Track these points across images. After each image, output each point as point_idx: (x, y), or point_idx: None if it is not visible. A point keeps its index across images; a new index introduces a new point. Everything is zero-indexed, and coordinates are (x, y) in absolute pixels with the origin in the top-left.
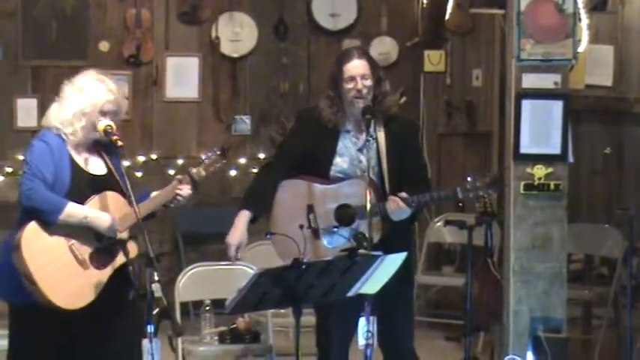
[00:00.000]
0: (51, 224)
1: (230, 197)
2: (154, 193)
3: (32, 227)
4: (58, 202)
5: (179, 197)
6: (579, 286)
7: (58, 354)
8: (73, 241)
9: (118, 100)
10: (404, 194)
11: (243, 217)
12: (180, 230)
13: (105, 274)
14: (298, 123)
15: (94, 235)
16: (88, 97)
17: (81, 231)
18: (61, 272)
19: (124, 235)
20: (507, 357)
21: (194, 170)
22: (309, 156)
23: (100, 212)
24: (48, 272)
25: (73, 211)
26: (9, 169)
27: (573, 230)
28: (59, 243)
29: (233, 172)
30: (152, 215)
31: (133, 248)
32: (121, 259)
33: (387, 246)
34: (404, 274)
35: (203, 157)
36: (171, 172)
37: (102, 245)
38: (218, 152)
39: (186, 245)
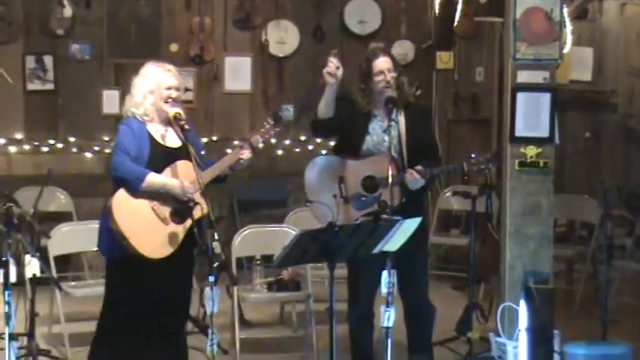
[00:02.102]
0: (136, 191)
1: (277, 172)
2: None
3: (120, 194)
4: (140, 173)
5: (241, 161)
6: (563, 245)
7: (144, 297)
8: (155, 202)
9: (176, 75)
10: (419, 167)
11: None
12: (236, 198)
13: (183, 228)
14: (343, 101)
15: (171, 197)
16: (151, 79)
17: (161, 194)
18: (147, 229)
19: (196, 195)
20: (503, 304)
21: (252, 138)
22: (345, 132)
23: (174, 179)
24: (136, 230)
25: (152, 179)
26: (96, 148)
27: (558, 200)
28: (143, 205)
29: (279, 152)
30: (220, 179)
31: (204, 206)
32: (195, 215)
33: (405, 212)
34: (419, 235)
35: (259, 127)
36: (229, 151)
37: (179, 205)
38: (271, 122)
39: (240, 210)
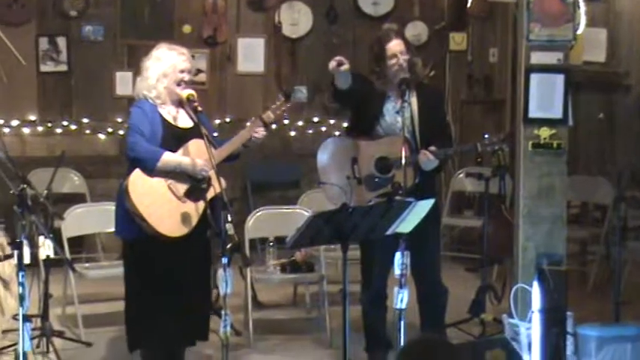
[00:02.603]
0: (151, 171)
1: (290, 152)
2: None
3: (136, 174)
4: (155, 152)
5: (254, 138)
6: (577, 227)
7: (161, 276)
8: (171, 180)
9: (189, 58)
10: (432, 148)
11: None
12: (249, 179)
13: (200, 205)
14: (359, 76)
15: (186, 175)
16: (165, 62)
17: (176, 173)
18: (164, 207)
19: (211, 173)
20: (517, 285)
21: (264, 114)
22: (359, 112)
23: (188, 158)
24: (153, 209)
25: (167, 158)
26: (110, 129)
27: (572, 181)
28: (159, 184)
29: (292, 133)
30: (234, 157)
31: (220, 183)
32: (211, 192)
33: (418, 193)
34: (432, 216)
35: (270, 104)
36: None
37: (194, 183)
38: (282, 98)
39: (253, 192)
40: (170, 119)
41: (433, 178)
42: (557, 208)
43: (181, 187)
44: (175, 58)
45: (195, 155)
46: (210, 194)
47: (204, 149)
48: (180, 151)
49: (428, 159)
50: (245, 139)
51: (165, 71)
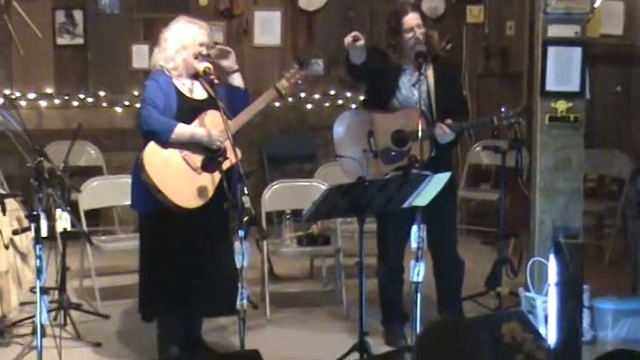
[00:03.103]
0: (165, 143)
1: (306, 126)
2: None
3: (151, 146)
4: (168, 124)
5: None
6: (593, 200)
7: (177, 249)
8: (186, 152)
9: (208, 32)
10: (449, 121)
11: None
12: (265, 152)
13: (216, 177)
14: (375, 51)
15: (202, 146)
16: (185, 35)
17: (191, 144)
18: (180, 179)
19: (227, 144)
20: (533, 259)
21: (278, 83)
22: (375, 85)
23: (203, 129)
24: (169, 181)
25: (181, 130)
26: (126, 103)
27: (589, 154)
28: (174, 156)
29: (309, 106)
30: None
31: (236, 154)
32: (227, 163)
33: (435, 166)
34: (448, 189)
35: (284, 72)
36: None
37: (209, 154)
38: (296, 66)
39: (270, 165)
40: (185, 91)
41: (449, 152)
42: (574, 182)
43: (197, 159)
44: (195, 31)
45: (211, 126)
46: (226, 165)
47: (219, 120)
48: (196, 122)
49: (444, 132)
50: (260, 109)
51: (184, 43)
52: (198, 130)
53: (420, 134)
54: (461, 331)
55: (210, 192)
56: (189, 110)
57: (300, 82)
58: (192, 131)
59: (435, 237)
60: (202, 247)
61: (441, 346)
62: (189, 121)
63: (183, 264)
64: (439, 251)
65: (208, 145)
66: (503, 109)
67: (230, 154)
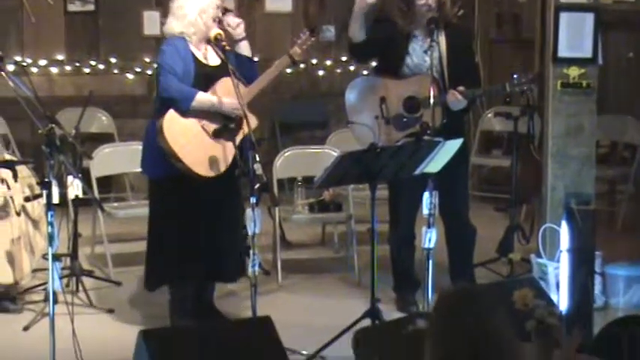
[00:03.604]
0: (185, 111)
1: (318, 92)
2: None
3: (170, 114)
4: (189, 92)
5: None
6: (606, 166)
7: (188, 215)
8: (204, 121)
9: None
10: (461, 88)
11: None
12: (277, 119)
13: (232, 145)
14: (381, 23)
15: (219, 115)
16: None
17: (208, 112)
18: (199, 148)
19: (243, 111)
20: (545, 225)
21: (291, 50)
22: (385, 53)
23: (221, 97)
24: (189, 149)
25: (202, 98)
26: (137, 69)
27: (601, 120)
28: (193, 124)
29: (320, 72)
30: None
31: (253, 121)
32: (244, 130)
33: (447, 133)
34: (461, 156)
35: (295, 39)
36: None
37: (227, 122)
38: (307, 32)
39: (282, 132)
40: (201, 57)
41: (461, 118)
42: (586, 148)
43: (214, 127)
44: None
45: (226, 94)
46: (242, 133)
47: (231, 88)
48: (215, 89)
49: (456, 99)
50: (274, 76)
51: (203, 7)
52: (217, 98)
53: (431, 101)
54: (478, 298)
55: (229, 160)
56: (205, 77)
57: (311, 48)
58: (213, 100)
59: (446, 204)
60: (213, 213)
61: (459, 313)
62: (204, 88)
63: (194, 230)
64: (451, 218)
65: (228, 113)
66: (515, 76)
67: (246, 121)
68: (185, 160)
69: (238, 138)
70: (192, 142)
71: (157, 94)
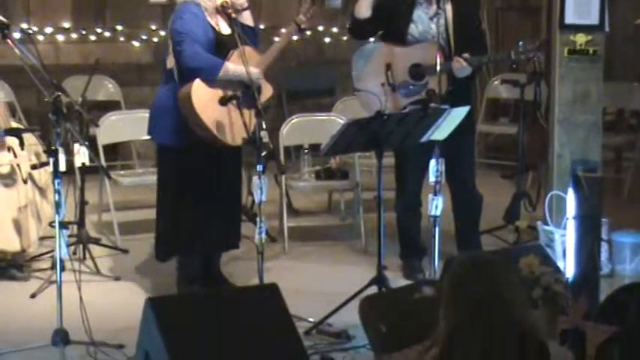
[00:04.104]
0: (211, 81)
1: (324, 59)
2: None
3: (198, 83)
4: (216, 62)
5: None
6: (612, 134)
7: (196, 183)
8: (227, 90)
9: None
10: (466, 55)
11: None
12: (283, 87)
13: (252, 113)
14: None
15: (239, 83)
16: None
17: (230, 81)
18: (224, 116)
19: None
20: (551, 192)
21: (297, 18)
22: (389, 22)
23: (242, 66)
24: (215, 118)
25: (227, 68)
26: (144, 37)
27: (608, 87)
28: (217, 93)
29: (327, 40)
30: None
31: (268, 90)
32: (262, 98)
33: (453, 100)
34: (467, 123)
35: (300, 7)
36: (276, 39)
37: (247, 91)
38: (309, 0)
39: (288, 99)
40: (214, 25)
41: (467, 86)
42: (593, 115)
43: (234, 96)
44: None
45: (239, 63)
46: (263, 99)
47: (249, 56)
48: (236, 57)
49: (462, 66)
50: (283, 46)
51: None
52: (241, 68)
53: (438, 68)
54: (490, 265)
55: (250, 127)
56: (221, 45)
57: (314, 15)
58: (237, 69)
59: (453, 171)
60: (219, 183)
61: (472, 280)
62: (220, 56)
63: (202, 198)
64: (457, 185)
65: (251, 82)
66: (520, 43)
67: (266, 90)
68: (212, 129)
69: (261, 102)
70: (217, 111)
71: (179, 62)
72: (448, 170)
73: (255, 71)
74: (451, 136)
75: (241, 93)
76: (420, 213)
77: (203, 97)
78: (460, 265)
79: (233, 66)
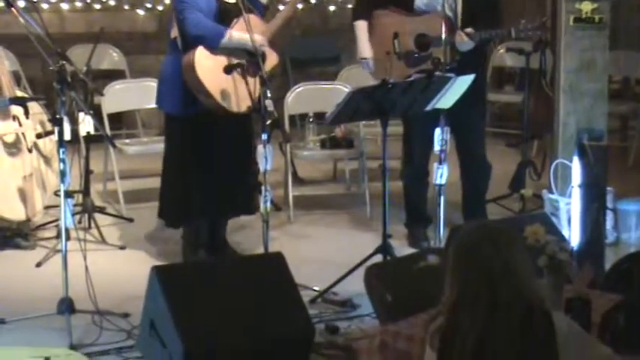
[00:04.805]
0: (214, 48)
1: (329, 28)
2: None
3: (200, 51)
4: (219, 29)
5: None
6: (618, 102)
7: (202, 151)
8: (231, 57)
9: None
10: (469, 30)
11: (363, 28)
12: (288, 55)
13: (257, 80)
14: None
15: (243, 51)
16: None
17: (233, 49)
18: (228, 84)
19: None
20: (557, 161)
21: None
22: None
23: (246, 34)
24: (219, 86)
25: (231, 35)
26: (148, 5)
27: (613, 56)
28: (221, 61)
29: (331, 8)
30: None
31: (273, 58)
32: (267, 66)
33: (462, 68)
34: (479, 93)
35: None
36: (280, 7)
37: (251, 59)
38: None
39: (293, 68)
40: None
41: (477, 55)
42: (598, 83)
43: (241, 64)
44: None
45: (244, 31)
46: (268, 67)
47: (254, 24)
48: (241, 24)
49: (462, 40)
50: (289, 15)
51: None
52: (244, 35)
53: (443, 37)
54: (497, 233)
55: (254, 95)
56: (225, 13)
57: None
58: (240, 37)
59: (463, 140)
60: (227, 149)
61: (477, 247)
62: (228, 24)
63: (208, 166)
64: (467, 154)
65: (255, 50)
66: (522, 21)
67: (271, 58)
68: (216, 96)
69: (266, 70)
70: (220, 78)
71: (181, 31)
72: (458, 139)
73: (259, 39)
74: (462, 106)
75: (246, 61)
76: (427, 182)
77: (206, 64)
78: (467, 233)
79: (237, 33)
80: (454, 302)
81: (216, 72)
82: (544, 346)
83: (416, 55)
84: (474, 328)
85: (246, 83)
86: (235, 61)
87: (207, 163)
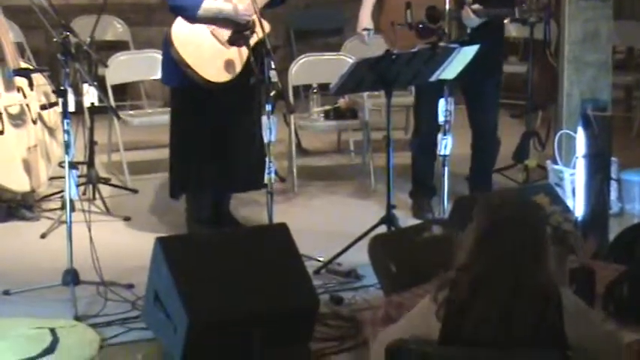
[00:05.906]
0: (193, 19)
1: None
2: None
3: (178, 22)
4: (196, 0)
5: None
6: (622, 72)
7: (206, 124)
8: (213, 27)
9: None
10: (476, 6)
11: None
12: (292, 26)
13: (244, 51)
14: None
15: (230, 20)
16: None
17: (219, 19)
18: (209, 53)
19: (254, 18)
20: (561, 131)
21: None
22: None
23: (229, 4)
24: (198, 55)
25: (208, 5)
26: None
27: (618, 26)
28: (202, 30)
29: None
30: (277, 2)
31: (266, 26)
32: (255, 38)
33: (479, 37)
34: (493, 64)
35: None
36: None
37: (237, 28)
38: None
39: (297, 39)
40: None
41: (494, 27)
42: (603, 54)
43: (225, 33)
44: None
45: (238, 0)
46: (253, 40)
47: None
48: None
49: (468, 16)
50: None
51: None
52: (225, 5)
53: (447, 7)
54: (536, 213)
55: (239, 66)
56: None
57: None
58: (220, 7)
59: (475, 109)
60: (230, 123)
61: (516, 224)
62: None
63: (213, 139)
64: (478, 126)
65: (236, 20)
66: (525, 3)
67: (257, 29)
68: (194, 66)
69: (252, 42)
70: (200, 48)
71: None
72: (470, 109)
73: (240, 8)
74: (477, 75)
75: (232, 32)
76: (433, 153)
77: (184, 34)
78: (510, 205)
79: (214, 3)
80: (473, 279)
81: (196, 42)
82: (554, 330)
83: (424, 27)
84: (489, 314)
85: (232, 52)
86: (221, 30)
87: (207, 136)
